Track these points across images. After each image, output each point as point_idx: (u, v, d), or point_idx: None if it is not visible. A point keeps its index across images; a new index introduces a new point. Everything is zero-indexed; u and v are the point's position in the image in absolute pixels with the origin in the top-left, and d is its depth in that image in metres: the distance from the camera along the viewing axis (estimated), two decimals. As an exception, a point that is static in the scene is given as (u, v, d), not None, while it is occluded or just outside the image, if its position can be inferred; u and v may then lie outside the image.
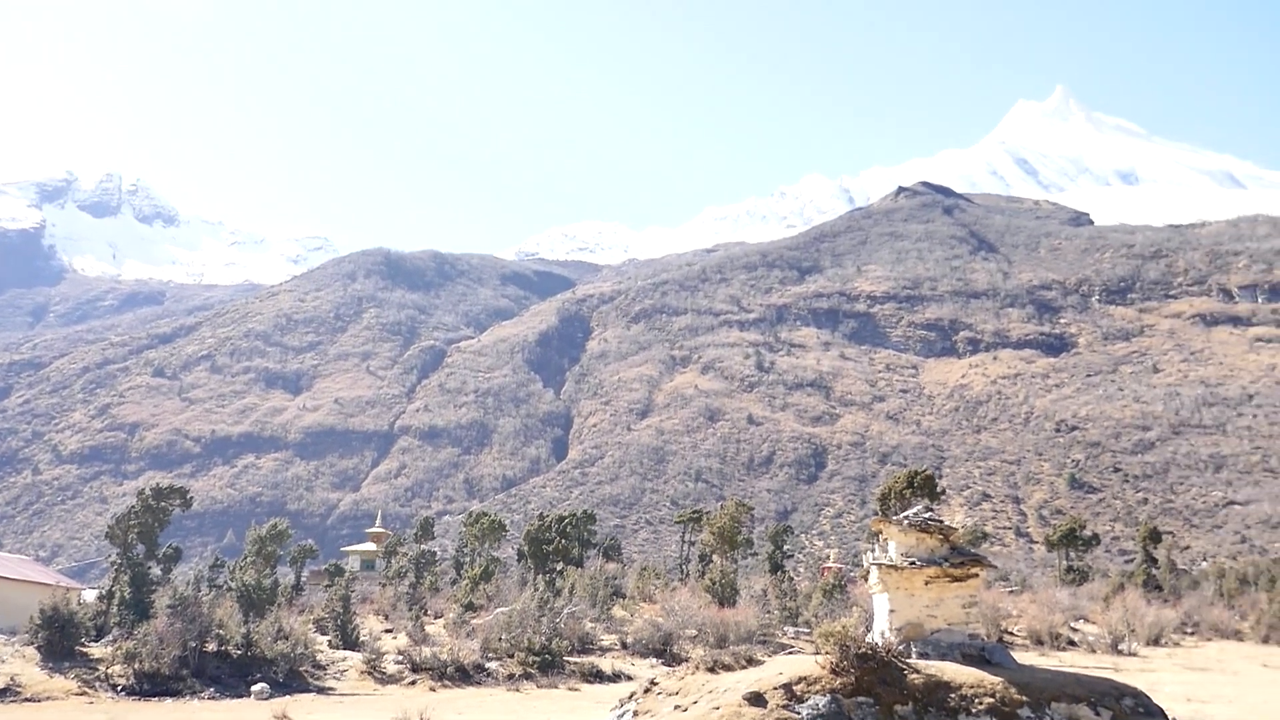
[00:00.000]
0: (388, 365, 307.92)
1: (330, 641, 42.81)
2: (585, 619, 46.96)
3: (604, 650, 43.96)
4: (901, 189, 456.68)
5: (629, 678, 36.32)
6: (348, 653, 40.41)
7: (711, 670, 20.16)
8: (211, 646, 35.96)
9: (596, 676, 37.76)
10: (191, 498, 54.44)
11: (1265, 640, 50.24)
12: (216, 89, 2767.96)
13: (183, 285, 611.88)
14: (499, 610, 44.33)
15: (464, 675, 36.56)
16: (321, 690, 34.61)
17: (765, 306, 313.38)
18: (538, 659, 37.52)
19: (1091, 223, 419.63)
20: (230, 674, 35.09)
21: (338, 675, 36.70)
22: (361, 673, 36.92)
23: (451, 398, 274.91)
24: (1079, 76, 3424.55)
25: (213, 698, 32.76)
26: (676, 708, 19.00)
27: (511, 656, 38.03)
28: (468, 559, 78.29)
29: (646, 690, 20.94)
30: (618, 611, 54.42)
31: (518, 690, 34.35)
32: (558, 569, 64.64)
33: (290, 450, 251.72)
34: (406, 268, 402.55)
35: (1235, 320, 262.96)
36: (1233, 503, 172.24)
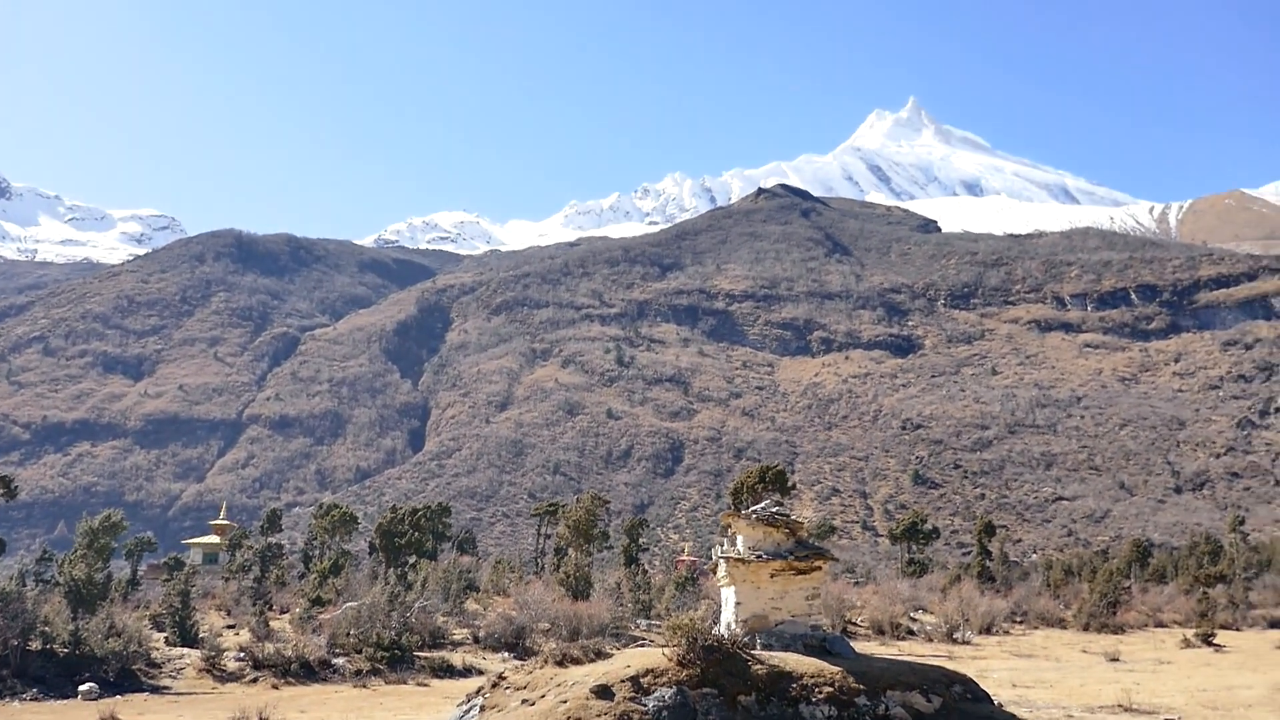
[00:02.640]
0: (237, 352, 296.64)
1: (167, 639, 40.98)
2: (437, 613, 46.34)
3: (456, 645, 43.48)
4: (761, 190, 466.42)
5: (480, 672, 36.04)
6: (186, 650, 38.78)
7: (560, 664, 20.21)
8: (36, 645, 33.95)
9: (447, 671, 37.32)
10: (17, 487, 51.23)
11: (1086, 628, 53.37)
12: (57, 51, 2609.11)
13: (13, 262, 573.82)
14: (348, 605, 43.29)
15: (309, 672, 35.60)
16: (156, 690, 33.15)
17: (626, 302, 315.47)
18: (387, 654, 36.83)
19: (939, 230, 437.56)
20: (56, 674, 33.20)
21: (174, 674, 35.20)
22: (200, 670, 35.50)
23: (305, 386, 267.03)
24: (931, 89, 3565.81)
25: (36, 699, 30.96)
26: (524, 702, 18.98)
27: (360, 652, 37.22)
28: (317, 552, 76.21)
29: (494, 685, 20.85)
30: (471, 605, 53.91)
31: (365, 687, 33.65)
32: (410, 562, 63.58)
33: (130, 438, 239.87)
34: (259, 251, 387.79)
35: (1067, 327, 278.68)
36: (1061, 498, 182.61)
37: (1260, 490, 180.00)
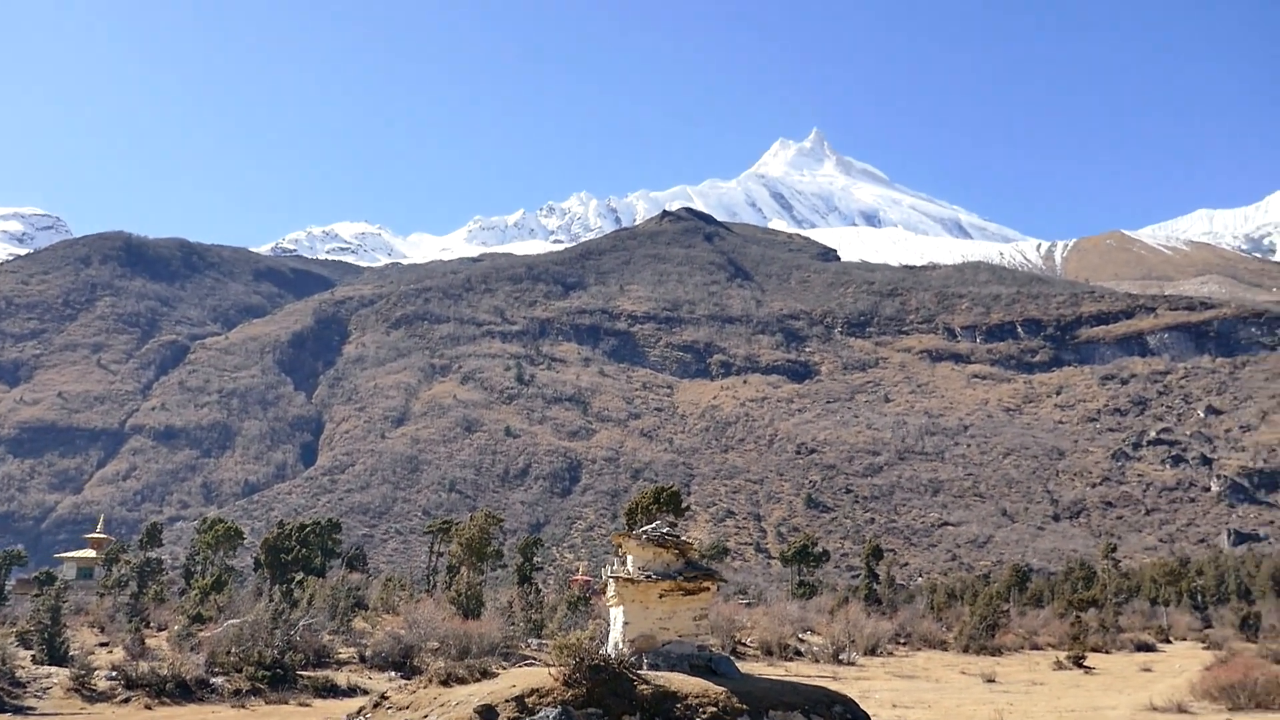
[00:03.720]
0: (122, 359, 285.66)
1: (34, 657, 39.18)
2: (323, 631, 45.33)
3: (341, 664, 42.58)
4: (666, 213, 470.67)
5: (365, 692, 35.38)
6: (54, 669, 37.15)
7: (445, 683, 20.03)
8: (-112, 664, 32.19)
9: (330, 691, 36.54)
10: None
11: (966, 649, 54.87)
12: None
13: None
14: (229, 622, 42.06)
15: (185, 692, 34.45)
16: (19, 710, 31.68)
17: (529, 319, 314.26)
18: (268, 674, 35.87)
19: (838, 259, 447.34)
20: (-91, 694, 31.50)
21: (39, 693, 33.67)
22: (68, 690, 34.03)
23: (193, 396, 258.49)
24: (834, 121, 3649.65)
25: (-116, 721, 29.34)
26: (407, 721, 18.75)
27: (240, 671, 36.17)
28: (199, 568, 73.82)
29: (376, 705, 20.54)
30: (359, 623, 52.89)
31: (243, 707, 32.73)
32: (297, 579, 62.07)
33: (3, 447, 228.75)
34: (149, 255, 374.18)
35: (957, 357, 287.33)
36: (946, 524, 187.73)
37: (1132, 519, 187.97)
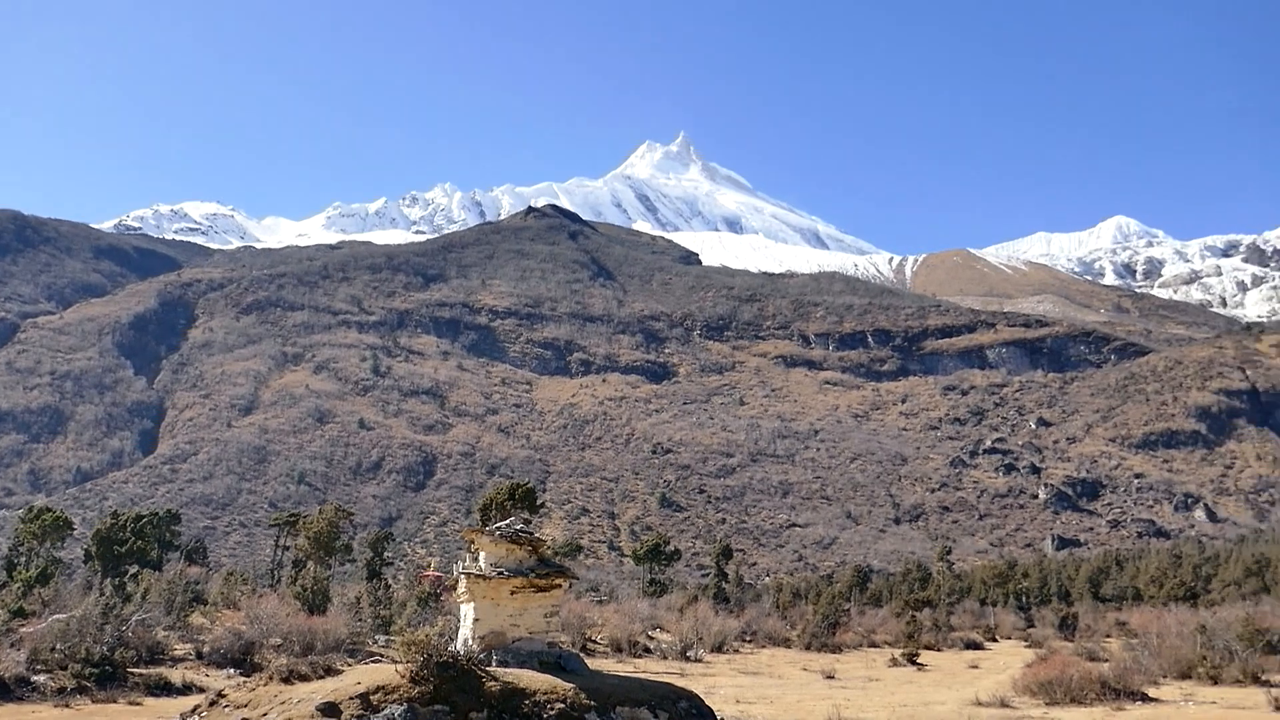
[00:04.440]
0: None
1: None
2: (158, 627, 43.47)
3: (177, 661, 40.90)
4: (531, 209, 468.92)
5: (201, 690, 34.13)
6: None
7: (286, 680, 19.58)
8: None
9: (164, 689, 35.06)
10: None
11: (808, 647, 56.55)
12: None
13: None
14: (55, 617, 39.91)
15: (4, 691, 32.55)
16: None
17: (387, 310, 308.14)
18: (96, 671, 34.19)
19: (700, 263, 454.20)
20: None
21: None
22: None
23: (21, 378, 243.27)
24: (700, 127, 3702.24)
25: None
26: (245, 720, 18.27)
27: (65, 669, 34.38)
28: (23, 560, 69.69)
29: (213, 703, 19.92)
30: (197, 619, 50.89)
31: (68, 706, 31.11)
32: (131, 573, 59.33)
33: None
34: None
35: (810, 364, 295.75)
36: (794, 525, 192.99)
37: (966, 523, 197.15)
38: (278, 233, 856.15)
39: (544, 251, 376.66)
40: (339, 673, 20.66)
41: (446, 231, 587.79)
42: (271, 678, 20.00)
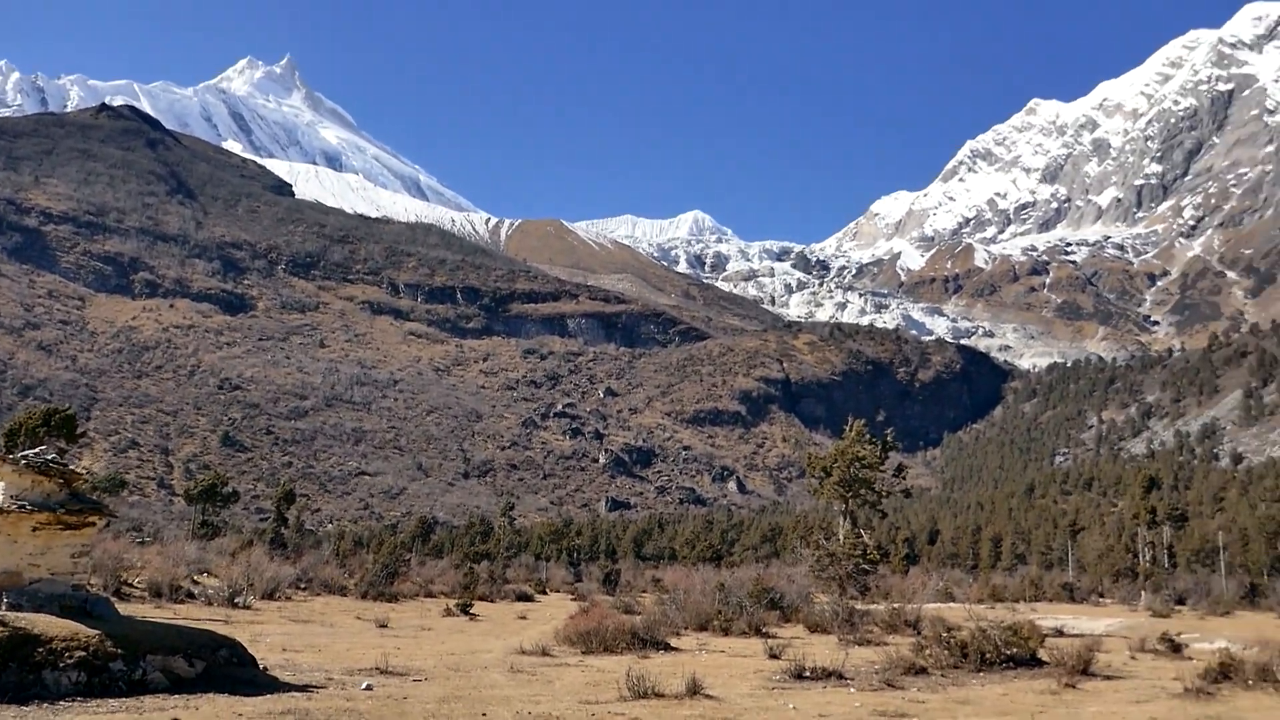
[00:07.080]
0: None
1: None
2: None
3: None
4: (106, 107, 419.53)
5: None
6: None
7: None
8: None
9: None
10: None
11: (365, 595, 56.19)
12: None
13: None
14: None
15: None
16: None
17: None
18: None
19: (293, 194, 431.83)
20: None
21: None
22: None
23: None
24: (308, 52, 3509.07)
25: None
26: None
27: None
28: None
29: None
30: None
31: None
32: None
33: None
34: None
35: (397, 313, 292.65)
36: (364, 473, 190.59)
37: (531, 481, 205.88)
38: None
39: (115, 156, 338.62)
40: None
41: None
42: None
